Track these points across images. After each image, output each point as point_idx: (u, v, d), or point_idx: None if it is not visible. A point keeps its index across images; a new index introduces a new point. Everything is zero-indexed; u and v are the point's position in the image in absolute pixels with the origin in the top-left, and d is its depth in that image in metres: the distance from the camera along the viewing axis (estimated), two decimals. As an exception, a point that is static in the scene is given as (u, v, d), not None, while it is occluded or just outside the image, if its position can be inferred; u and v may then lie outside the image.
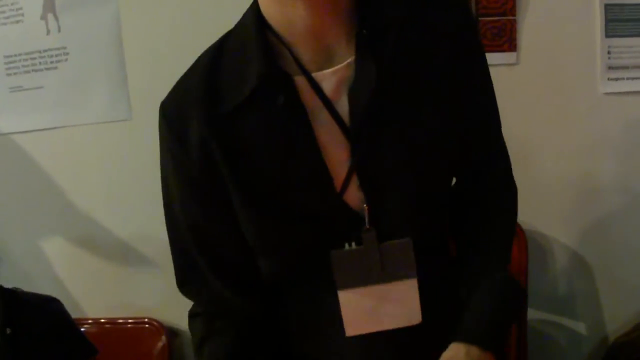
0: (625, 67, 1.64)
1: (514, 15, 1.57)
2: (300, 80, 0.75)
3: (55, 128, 1.56)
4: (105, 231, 1.56)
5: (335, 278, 0.80)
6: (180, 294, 0.86)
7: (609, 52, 1.63)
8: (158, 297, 1.57)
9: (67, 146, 1.56)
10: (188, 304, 0.88)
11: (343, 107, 0.76)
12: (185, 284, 0.86)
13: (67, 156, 1.56)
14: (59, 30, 1.53)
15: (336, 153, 0.77)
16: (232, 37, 0.81)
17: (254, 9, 0.78)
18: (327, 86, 0.76)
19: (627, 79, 1.64)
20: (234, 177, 0.77)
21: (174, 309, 1.56)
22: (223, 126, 0.76)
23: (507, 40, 1.58)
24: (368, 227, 0.79)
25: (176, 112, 0.79)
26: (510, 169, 0.91)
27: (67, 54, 1.53)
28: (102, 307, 1.58)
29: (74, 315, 1.27)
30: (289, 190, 0.77)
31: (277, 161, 0.77)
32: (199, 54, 0.82)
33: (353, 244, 0.79)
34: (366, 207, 0.78)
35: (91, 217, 1.55)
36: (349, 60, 0.76)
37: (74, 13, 1.52)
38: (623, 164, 1.64)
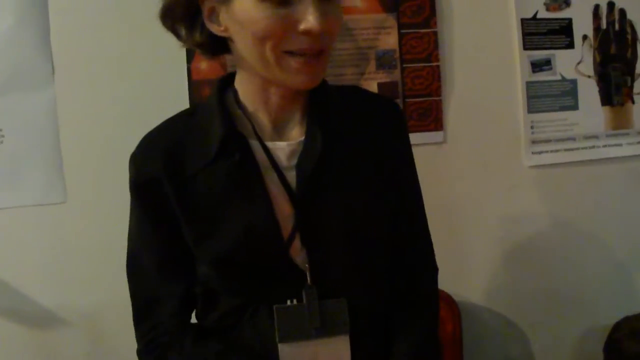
0: (547, 141, 1.74)
1: (439, 95, 1.64)
2: (255, 144, 0.87)
3: (-11, 210, 1.55)
4: (40, 313, 1.54)
5: (277, 331, 0.86)
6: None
7: (532, 127, 1.72)
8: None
9: (1, 229, 1.54)
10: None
11: (293, 175, 0.87)
12: (141, 321, 0.93)
13: (1, 239, 1.54)
14: (-5, 113, 1.53)
15: (284, 207, 0.87)
16: (201, 107, 0.93)
17: (219, 85, 0.92)
18: (281, 155, 0.88)
19: (550, 151, 1.74)
20: (190, 224, 0.87)
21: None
22: (186, 185, 0.87)
23: (433, 120, 1.64)
24: (310, 284, 0.86)
25: (143, 164, 0.89)
26: (432, 250, 0.99)
27: (3, 136, 1.53)
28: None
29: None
30: (241, 237, 0.85)
31: (232, 208, 0.86)
32: (134, 140, 0.91)
33: (295, 300, 0.86)
34: (308, 267, 0.86)
35: (27, 300, 1.53)
36: (301, 138, 0.89)
37: (10, 96, 1.52)
38: (549, 233, 1.71)
